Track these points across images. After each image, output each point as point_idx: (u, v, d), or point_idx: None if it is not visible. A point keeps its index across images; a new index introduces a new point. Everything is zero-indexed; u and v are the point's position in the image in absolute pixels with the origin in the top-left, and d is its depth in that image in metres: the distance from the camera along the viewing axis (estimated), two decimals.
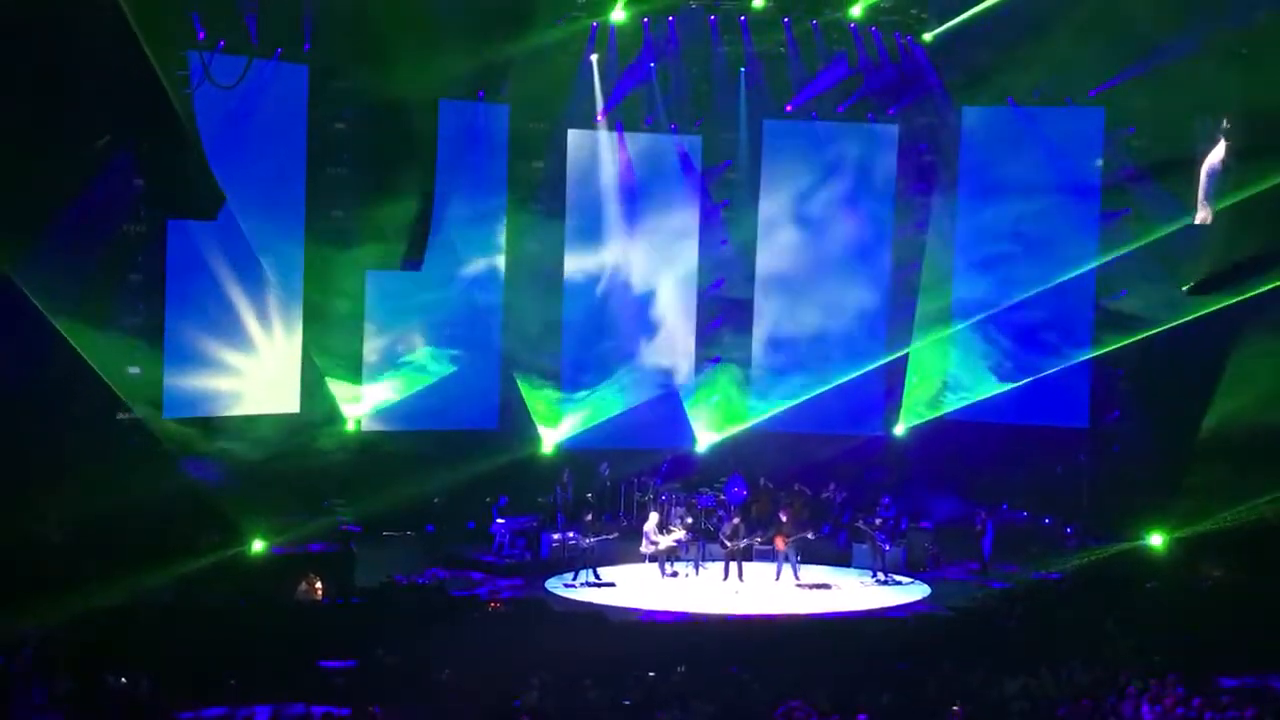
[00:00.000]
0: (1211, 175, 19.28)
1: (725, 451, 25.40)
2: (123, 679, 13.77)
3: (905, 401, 25.50)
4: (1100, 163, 24.24)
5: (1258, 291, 20.68)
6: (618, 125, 25.24)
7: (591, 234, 25.31)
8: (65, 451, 18.22)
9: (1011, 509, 24.06)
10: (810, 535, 21.96)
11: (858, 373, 25.38)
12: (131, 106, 17.79)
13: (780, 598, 20.81)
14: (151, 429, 20.33)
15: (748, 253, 25.94)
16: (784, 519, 21.78)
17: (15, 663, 14.49)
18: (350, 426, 23.52)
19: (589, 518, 22.09)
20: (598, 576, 21.17)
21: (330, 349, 23.36)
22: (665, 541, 21.58)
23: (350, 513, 22.08)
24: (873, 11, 23.40)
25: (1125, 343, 23.14)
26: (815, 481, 24.34)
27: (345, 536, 21.19)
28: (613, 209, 25.39)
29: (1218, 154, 19.35)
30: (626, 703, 14.33)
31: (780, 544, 21.50)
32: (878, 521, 22.02)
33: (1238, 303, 21.01)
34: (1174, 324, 22.00)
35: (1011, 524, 23.82)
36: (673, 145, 25.65)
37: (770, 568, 21.72)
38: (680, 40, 24.03)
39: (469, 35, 22.13)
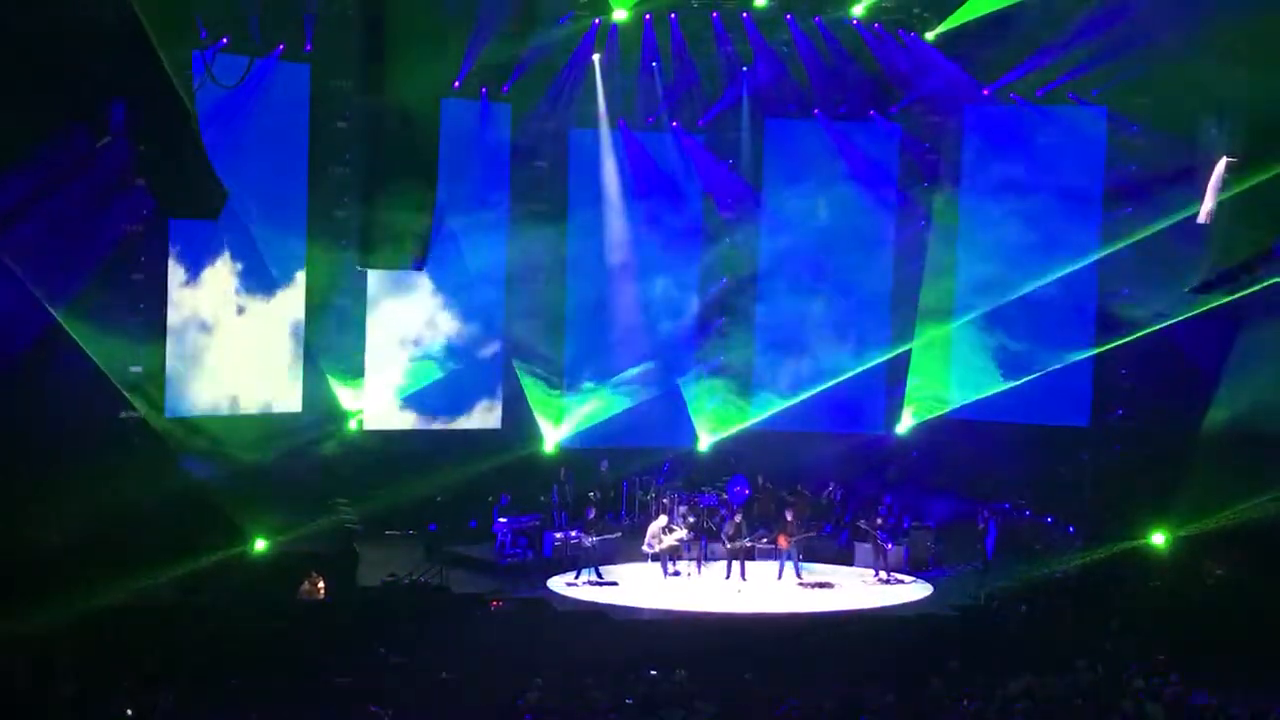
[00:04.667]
0: (1220, 174, 19.27)
1: (727, 450, 25.40)
2: (128, 711, 13.70)
3: (907, 400, 25.47)
4: (1103, 161, 24.19)
5: (1259, 289, 20.66)
6: (620, 124, 25.21)
7: (594, 233, 25.28)
8: (67, 451, 18.20)
9: (1014, 508, 24.04)
10: (814, 534, 21.92)
11: (860, 371, 25.38)
12: (134, 106, 17.79)
13: (782, 597, 20.80)
14: (153, 428, 20.32)
15: (750, 251, 25.92)
16: (790, 518, 21.77)
17: (19, 665, 14.49)
18: (352, 426, 23.52)
19: (591, 517, 22.09)
20: (600, 576, 21.16)
21: (332, 348, 23.37)
22: (667, 541, 21.57)
23: (353, 512, 22.07)
24: (876, 9, 23.38)
25: (1127, 341, 23.12)
26: (817, 480, 24.34)
27: (348, 536, 21.19)
28: (615, 208, 25.36)
29: (1226, 154, 19.37)
30: (629, 701, 14.33)
31: (783, 543, 21.49)
32: (879, 520, 22.01)
33: (1239, 300, 20.97)
34: (1176, 322, 21.99)
35: (1014, 523, 23.79)
36: (675, 144, 25.63)
37: (771, 567, 21.71)
38: (682, 38, 24.01)
39: (471, 34, 22.13)
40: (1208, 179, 19.89)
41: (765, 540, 21.96)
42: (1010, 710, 14.05)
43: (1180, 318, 21.86)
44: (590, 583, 20.97)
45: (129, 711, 13.50)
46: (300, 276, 22.94)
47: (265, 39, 21.01)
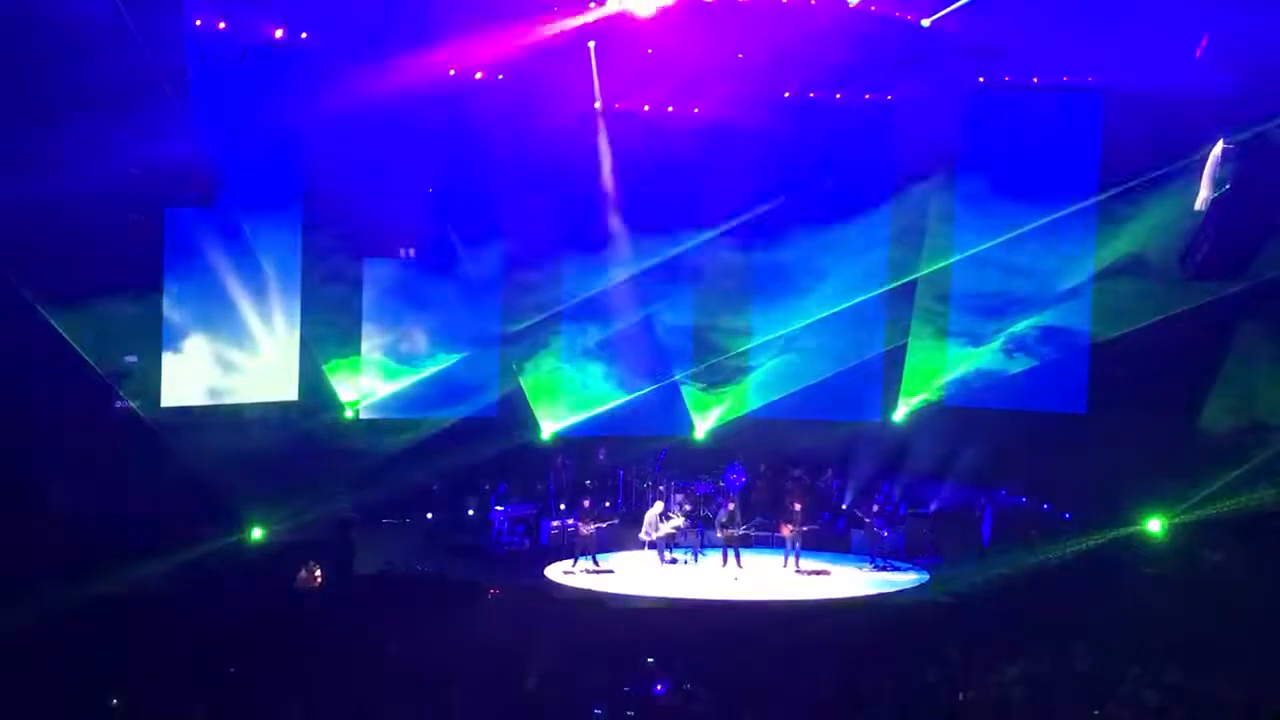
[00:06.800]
0: (1217, 160, 19.24)
1: (724, 438, 25.40)
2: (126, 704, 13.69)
3: (904, 387, 25.49)
4: (1100, 147, 24.16)
5: (1256, 276, 20.66)
6: (616, 109, 25.15)
7: (591, 219, 25.26)
8: (63, 441, 18.20)
9: (1010, 495, 24.06)
10: (817, 526, 21.97)
11: (858, 358, 25.38)
12: (129, 92, 17.75)
13: (779, 584, 20.82)
14: (149, 417, 20.32)
15: (749, 238, 25.88)
16: (797, 508, 21.79)
17: (18, 661, 14.45)
18: (349, 414, 23.52)
19: (587, 504, 22.11)
20: (596, 563, 21.18)
21: (329, 337, 23.38)
22: (664, 528, 21.60)
23: (349, 500, 22.09)
24: None
25: (1123, 328, 23.12)
26: (814, 468, 24.35)
27: (345, 524, 21.19)
28: (612, 194, 25.33)
29: (1223, 140, 19.32)
30: (626, 689, 14.35)
31: (786, 531, 21.51)
32: (875, 508, 22.04)
33: (1235, 287, 20.96)
34: (1172, 309, 21.99)
35: (1010, 510, 23.81)
36: (673, 130, 25.57)
37: (766, 554, 21.73)
38: (679, 23, 23.90)
39: (466, 19, 22.07)
40: (1204, 165, 19.87)
41: (773, 532, 21.95)
42: (1006, 697, 14.08)
43: (1178, 305, 21.87)
44: (587, 570, 20.99)
45: (127, 704, 13.50)
46: (297, 265, 22.91)
47: (261, 26, 20.94)
